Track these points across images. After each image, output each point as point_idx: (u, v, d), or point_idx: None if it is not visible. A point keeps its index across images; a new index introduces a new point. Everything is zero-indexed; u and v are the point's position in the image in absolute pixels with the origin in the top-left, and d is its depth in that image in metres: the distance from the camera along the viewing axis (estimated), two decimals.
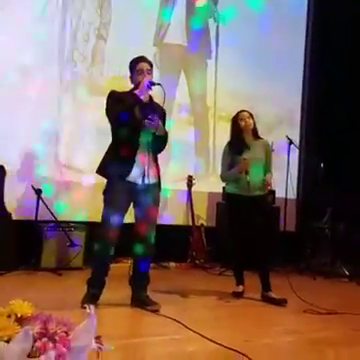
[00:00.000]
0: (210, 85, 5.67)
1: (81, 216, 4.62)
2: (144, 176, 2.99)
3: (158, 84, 2.98)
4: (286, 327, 2.88)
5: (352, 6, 5.85)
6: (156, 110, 3.06)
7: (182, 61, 5.56)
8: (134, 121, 2.93)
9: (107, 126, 4.74)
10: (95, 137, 4.81)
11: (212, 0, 5.76)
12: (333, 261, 4.99)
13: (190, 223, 5.23)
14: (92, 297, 2.93)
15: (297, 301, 3.36)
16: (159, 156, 3.19)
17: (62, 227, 4.33)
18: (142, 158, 2.99)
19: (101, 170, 3.05)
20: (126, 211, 3.05)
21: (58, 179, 4.72)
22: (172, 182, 5.18)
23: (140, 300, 3.03)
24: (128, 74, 5.01)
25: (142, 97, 2.94)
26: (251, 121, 3.59)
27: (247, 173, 3.44)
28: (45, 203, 4.21)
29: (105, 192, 3.03)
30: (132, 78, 3.07)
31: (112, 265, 4.43)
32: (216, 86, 5.68)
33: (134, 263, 3.13)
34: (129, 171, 2.94)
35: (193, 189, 5.26)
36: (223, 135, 5.90)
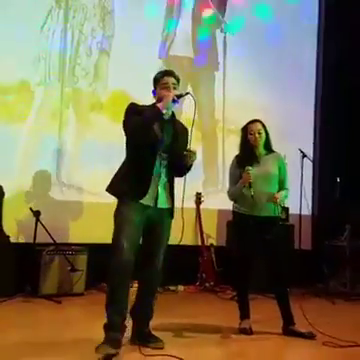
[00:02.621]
0: (218, 98, 5.46)
1: (83, 238, 4.39)
2: (157, 199, 2.70)
3: (186, 94, 2.72)
4: None
5: None
6: (178, 129, 2.80)
7: (189, 74, 5.36)
8: (152, 137, 2.67)
9: (110, 142, 4.57)
10: (98, 154, 4.62)
11: (219, 10, 5.57)
12: (353, 282, 4.67)
13: (199, 243, 4.97)
14: (113, 342, 2.49)
15: (315, 331, 3.06)
16: None
17: (62, 250, 4.10)
18: (157, 179, 2.72)
19: (112, 189, 2.73)
20: (141, 236, 2.71)
21: (59, 199, 4.52)
22: (179, 199, 4.95)
23: (142, 337, 2.76)
24: (132, 87, 4.82)
25: (164, 111, 2.65)
26: (262, 135, 3.28)
27: (250, 186, 3.13)
28: (44, 225, 3.99)
29: (117, 214, 2.68)
30: (155, 92, 2.82)
31: None
32: (224, 98, 5.46)
33: (138, 293, 2.84)
34: (144, 192, 2.65)
35: (202, 207, 5.02)
36: (232, 150, 5.62)
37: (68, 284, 4.07)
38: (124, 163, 2.78)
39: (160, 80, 2.78)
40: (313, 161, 5.32)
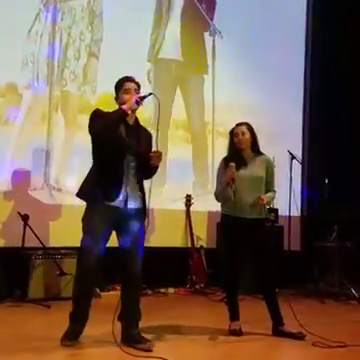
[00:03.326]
0: (207, 100, 5.47)
1: (72, 242, 4.36)
2: (127, 201, 2.79)
3: (149, 95, 2.81)
4: None
5: (354, 13, 5.63)
6: (141, 134, 2.90)
7: (178, 76, 5.38)
8: (117, 138, 2.75)
9: None
10: (87, 158, 4.57)
11: (207, 13, 5.59)
12: (341, 282, 4.69)
13: (189, 245, 4.97)
14: (74, 333, 2.76)
15: (305, 331, 3.06)
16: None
17: (51, 254, 4.08)
18: (126, 181, 2.80)
19: (82, 193, 2.84)
20: (108, 239, 2.83)
21: (47, 202, 4.50)
22: (169, 202, 4.97)
23: (131, 338, 2.77)
24: None
25: (129, 112, 2.76)
26: (247, 136, 3.28)
27: (233, 182, 3.13)
28: (32, 229, 3.96)
29: (85, 218, 2.82)
30: (117, 99, 2.90)
31: (104, 293, 4.31)
32: (213, 101, 5.48)
33: (122, 296, 2.86)
34: (113, 195, 2.74)
35: (191, 209, 5.03)
36: (221, 152, 5.68)
37: (57, 288, 4.04)
38: (92, 169, 2.85)
39: (122, 85, 2.86)
40: (302, 163, 5.36)
